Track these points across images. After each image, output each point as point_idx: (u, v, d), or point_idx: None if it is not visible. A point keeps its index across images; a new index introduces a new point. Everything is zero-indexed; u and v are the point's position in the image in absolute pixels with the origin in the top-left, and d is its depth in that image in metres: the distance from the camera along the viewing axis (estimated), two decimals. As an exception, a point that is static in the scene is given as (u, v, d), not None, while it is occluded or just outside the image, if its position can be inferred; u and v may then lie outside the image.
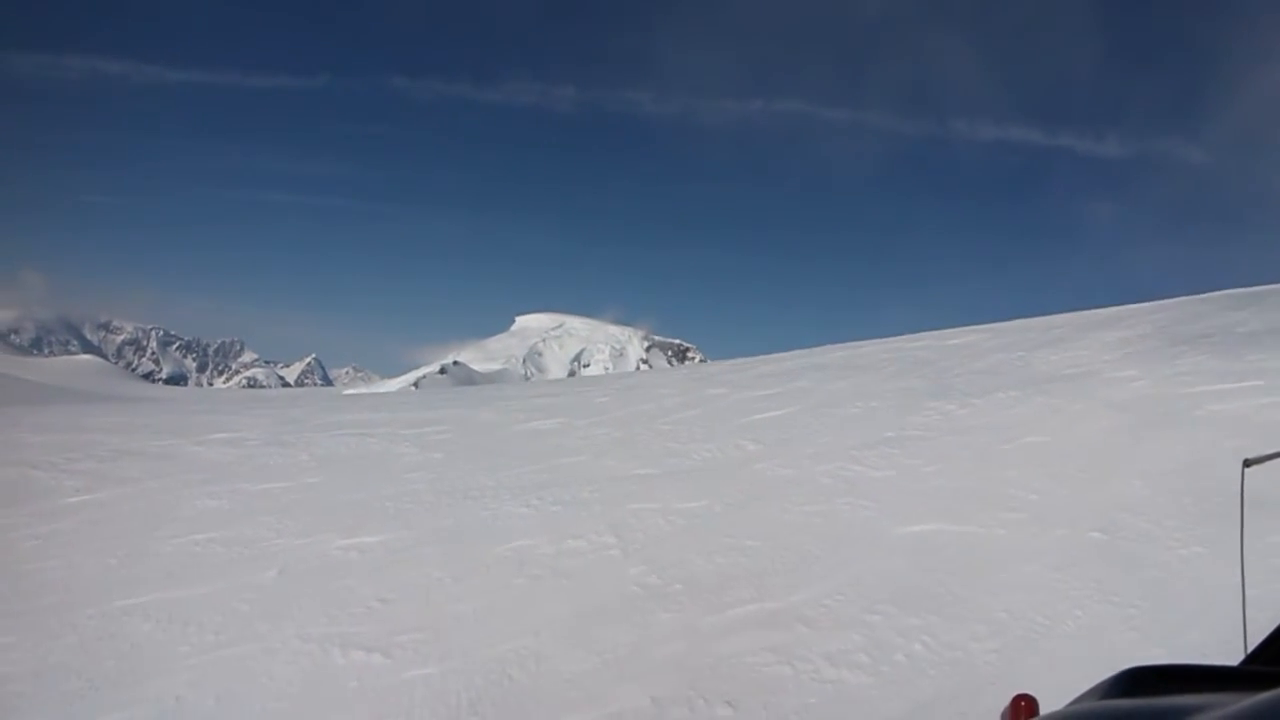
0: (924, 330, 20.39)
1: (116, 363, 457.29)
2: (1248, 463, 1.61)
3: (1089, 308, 19.91)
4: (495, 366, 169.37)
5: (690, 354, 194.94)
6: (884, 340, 18.75)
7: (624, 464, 9.70)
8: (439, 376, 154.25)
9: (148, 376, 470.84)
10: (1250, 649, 1.10)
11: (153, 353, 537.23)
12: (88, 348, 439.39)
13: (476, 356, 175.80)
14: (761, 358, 19.83)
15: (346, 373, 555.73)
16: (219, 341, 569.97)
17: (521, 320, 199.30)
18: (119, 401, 25.60)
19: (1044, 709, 1.11)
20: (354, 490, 9.58)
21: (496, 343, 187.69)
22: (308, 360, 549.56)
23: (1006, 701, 1.22)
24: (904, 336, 19.68)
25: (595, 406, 13.35)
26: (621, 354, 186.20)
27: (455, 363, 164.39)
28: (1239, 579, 1.62)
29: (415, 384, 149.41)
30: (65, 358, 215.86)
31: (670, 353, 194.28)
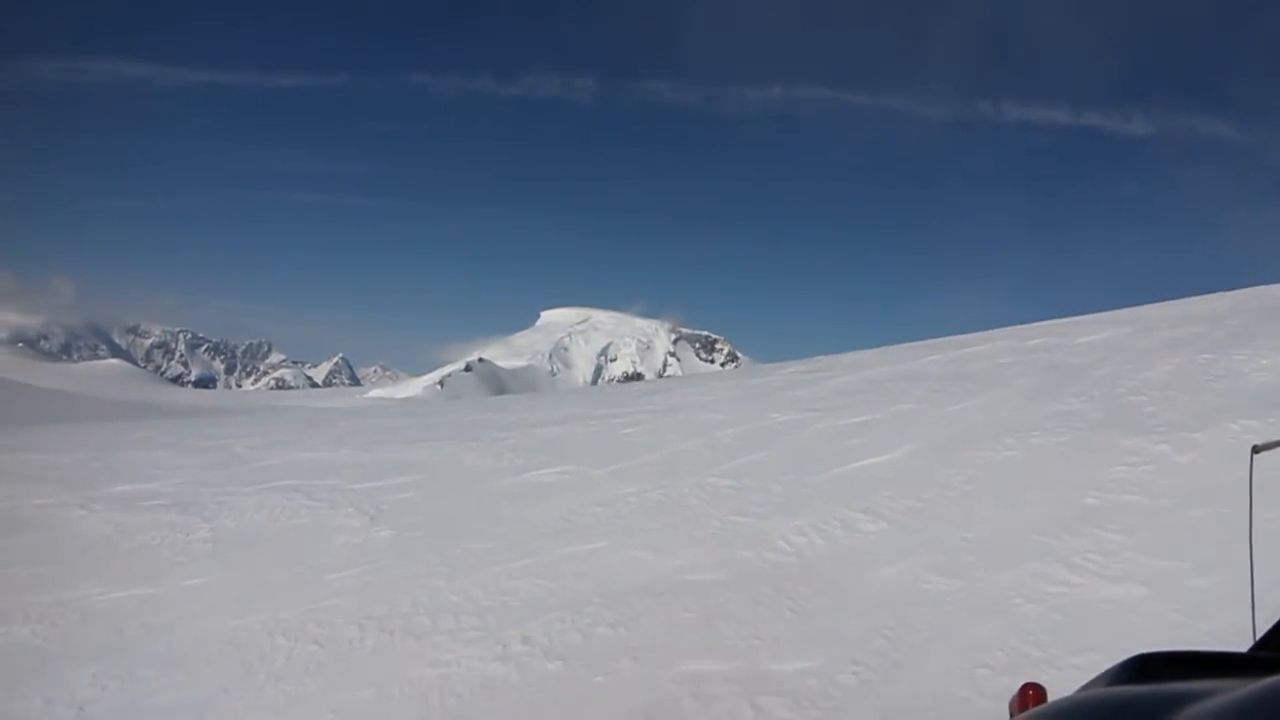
0: (992, 326, 16.74)
1: (145, 366, 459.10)
2: (1256, 449, 1.61)
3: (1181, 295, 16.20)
4: (521, 363, 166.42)
5: (719, 345, 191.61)
6: (983, 336, 15.05)
7: (666, 559, 6.10)
8: (464, 374, 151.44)
9: (176, 379, 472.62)
10: (1259, 634, 1.11)
11: (181, 355, 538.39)
12: (116, 352, 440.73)
13: (502, 353, 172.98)
14: (825, 359, 16.17)
15: (374, 371, 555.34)
16: (246, 343, 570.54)
17: (547, 315, 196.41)
18: (52, 426, 22.12)
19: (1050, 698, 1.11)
20: (237, 612, 6.04)
21: (522, 338, 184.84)
22: (335, 360, 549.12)
23: (1014, 690, 1.22)
24: (1004, 330, 16.05)
25: (620, 442, 9.76)
26: (649, 347, 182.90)
27: (480, 360, 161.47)
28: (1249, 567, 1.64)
29: (440, 382, 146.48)
30: (93, 363, 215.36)
31: (698, 345, 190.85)
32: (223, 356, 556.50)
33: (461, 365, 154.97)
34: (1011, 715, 1.20)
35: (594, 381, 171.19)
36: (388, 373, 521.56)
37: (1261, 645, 1.10)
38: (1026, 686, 1.19)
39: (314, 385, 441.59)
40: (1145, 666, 0.96)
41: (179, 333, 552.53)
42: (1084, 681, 1.02)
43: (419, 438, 12.19)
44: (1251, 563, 1.63)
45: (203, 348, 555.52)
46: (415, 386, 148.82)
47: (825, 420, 9.43)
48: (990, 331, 16.71)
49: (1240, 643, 1.16)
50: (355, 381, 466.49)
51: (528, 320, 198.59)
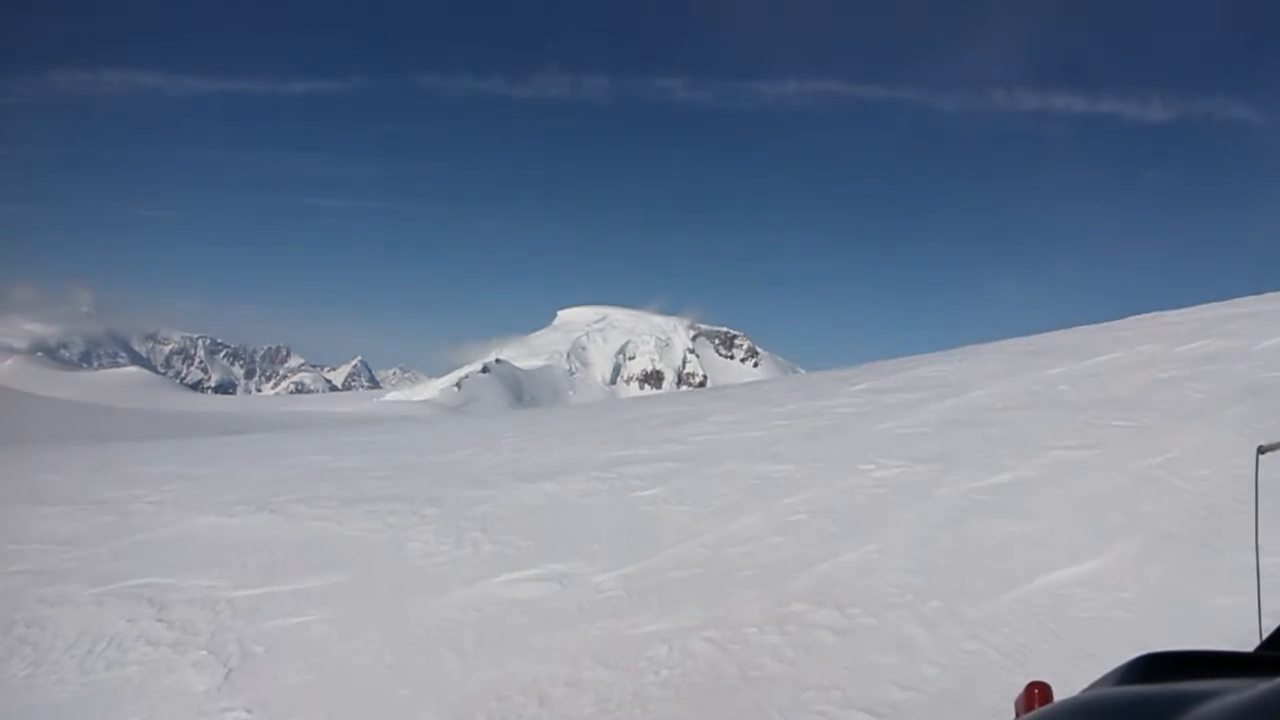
0: (1051, 323, 13.59)
1: (165, 373, 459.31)
2: (1262, 450, 1.63)
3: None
4: (539, 363, 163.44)
5: (738, 341, 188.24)
6: (1099, 335, 11.79)
7: None
8: (482, 376, 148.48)
9: (196, 385, 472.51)
10: (1266, 635, 1.10)
11: (200, 361, 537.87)
12: (136, 359, 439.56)
13: (520, 353, 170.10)
14: (891, 365, 12.91)
15: (394, 373, 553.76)
16: (265, 347, 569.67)
17: (564, 314, 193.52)
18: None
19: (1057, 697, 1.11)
20: None
21: (539, 338, 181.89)
22: (354, 362, 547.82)
23: (1020, 689, 1.22)
24: (1112, 325, 12.87)
25: (638, 517, 6.57)
26: (667, 344, 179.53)
27: (498, 360, 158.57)
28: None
29: (458, 384, 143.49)
30: (112, 370, 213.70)
31: (717, 341, 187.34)
32: (242, 361, 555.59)
33: (479, 366, 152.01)
34: (1017, 714, 1.19)
35: (612, 380, 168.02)
36: (407, 374, 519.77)
37: (1268, 645, 1.11)
38: (1032, 685, 1.17)
39: (333, 388, 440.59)
40: (1153, 666, 0.96)
41: (198, 339, 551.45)
42: (1090, 680, 1.02)
43: (369, 492, 9.04)
44: (1258, 563, 1.61)
45: (222, 353, 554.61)
46: (433, 389, 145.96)
47: (949, 479, 6.22)
48: (1097, 327, 13.58)
49: (1247, 643, 1.16)
50: (374, 384, 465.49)
51: (545, 320, 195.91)
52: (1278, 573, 3.56)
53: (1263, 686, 0.72)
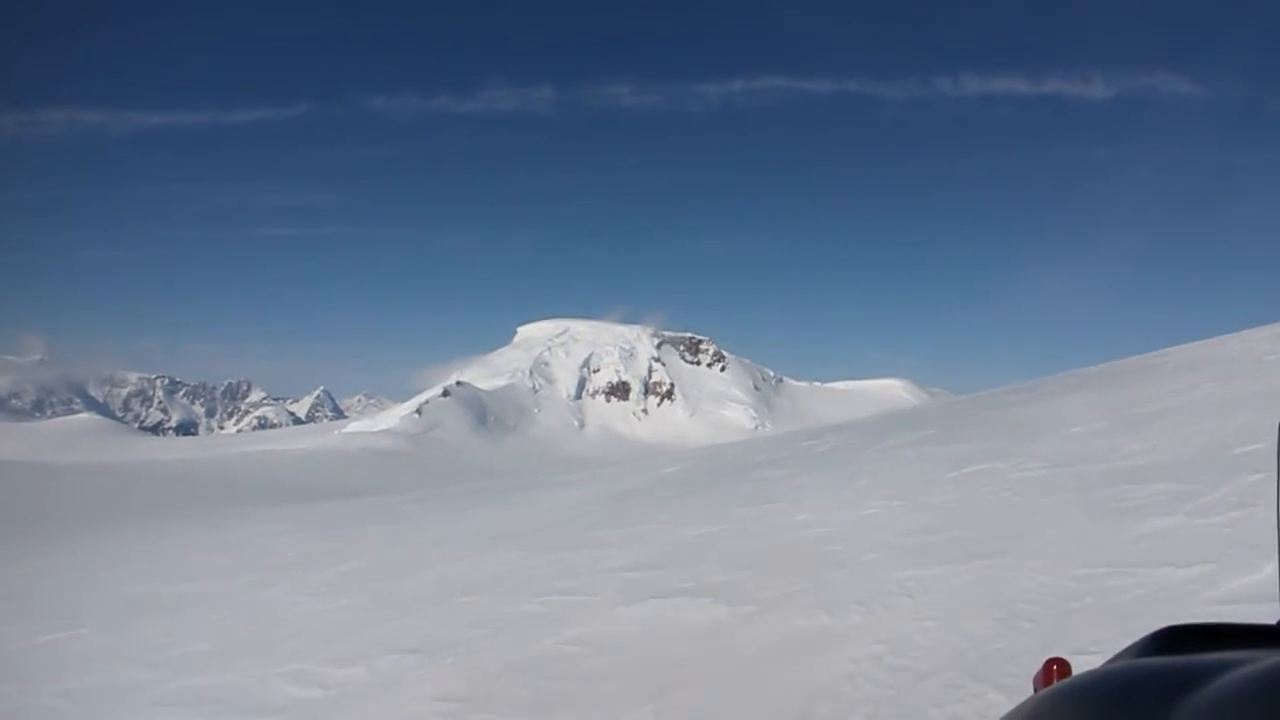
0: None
1: (123, 416, 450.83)
2: None
3: None
4: (501, 382, 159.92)
5: (703, 345, 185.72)
6: None
7: None
8: (443, 400, 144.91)
9: (156, 427, 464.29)
10: None
11: (160, 402, 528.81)
12: (92, 405, 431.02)
13: (482, 373, 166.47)
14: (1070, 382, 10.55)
15: (358, 400, 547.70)
16: (226, 384, 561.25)
17: (524, 330, 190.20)
18: None
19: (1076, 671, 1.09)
20: None
21: (500, 356, 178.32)
22: (316, 393, 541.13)
23: (1039, 666, 1.21)
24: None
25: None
26: (632, 354, 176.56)
27: (459, 383, 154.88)
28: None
29: (419, 410, 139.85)
30: (63, 419, 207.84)
31: (682, 346, 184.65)
32: (202, 400, 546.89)
33: (439, 390, 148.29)
34: (1036, 689, 1.19)
35: (578, 395, 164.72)
36: (371, 400, 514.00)
37: None
38: (1051, 661, 1.17)
39: (297, 421, 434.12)
40: (1173, 638, 0.98)
41: (156, 379, 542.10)
42: (1110, 655, 1.03)
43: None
44: (1279, 535, 1.53)
45: (181, 392, 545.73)
46: (394, 417, 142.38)
47: None
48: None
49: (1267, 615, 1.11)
50: (339, 413, 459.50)
51: (505, 337, 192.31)
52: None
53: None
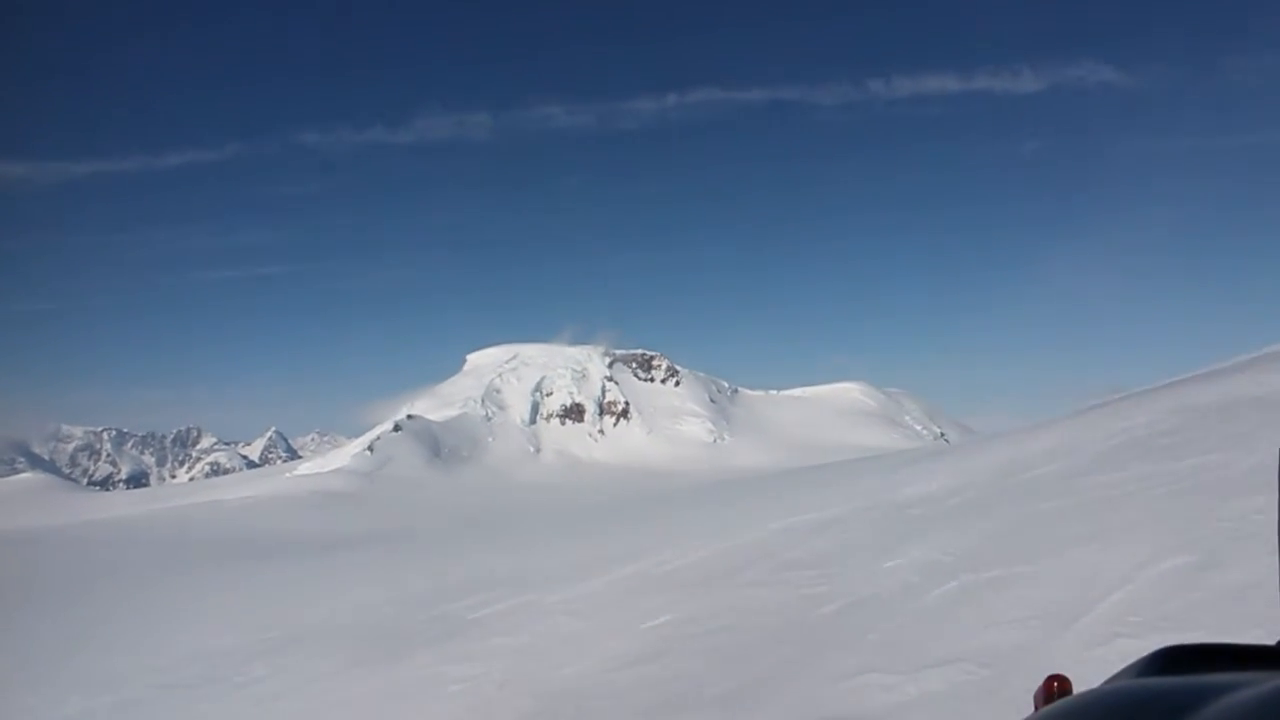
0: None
1: (71, 472, 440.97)
2: None
3: None
4: (453, 412, 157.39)
5: (655, 362, 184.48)
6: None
7: None
8: (394, 435, 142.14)
9: (106, 481, 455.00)
10: None
11: (108, 455, 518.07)
12: (37, 463, 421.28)
13: (432, 405, 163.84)
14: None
15: (312, 439, 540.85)
16: (174, 431, 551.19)
17: (473, 358, 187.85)
18: None
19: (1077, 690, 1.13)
20: None
21: (451, 386, 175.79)
22: (268, 434, 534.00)
23: (1039, 683, 1.23)
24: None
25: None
26: (584, 375, 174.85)
27: (409, 416, 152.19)
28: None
29: (370, 447, 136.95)
30: (5, 480, 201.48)
31: (635, 364, 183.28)
32: (152, 449, 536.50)
33: (390, 425, 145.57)
34: (1037, 707, 1.19)
35: (532, 420, 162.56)
36: (325, 438, 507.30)
37: None
38: (1051, 678, 1.18)
39: (251, 464, 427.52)
40: (1173, 659, 0.95)
41: (102, 431, 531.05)
42: (1110, 674, 1.01)
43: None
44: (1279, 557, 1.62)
45: (129, 443, 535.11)
46: (346, 455, 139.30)
47: None
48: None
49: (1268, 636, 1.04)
50: (292, 453, 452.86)
51: (454, 367, 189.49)
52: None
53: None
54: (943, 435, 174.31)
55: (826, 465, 33.90)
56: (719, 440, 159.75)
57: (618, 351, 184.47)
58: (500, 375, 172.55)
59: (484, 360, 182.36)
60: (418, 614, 11.74)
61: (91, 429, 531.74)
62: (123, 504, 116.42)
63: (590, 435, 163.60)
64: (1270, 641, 1.05)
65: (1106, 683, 0.97)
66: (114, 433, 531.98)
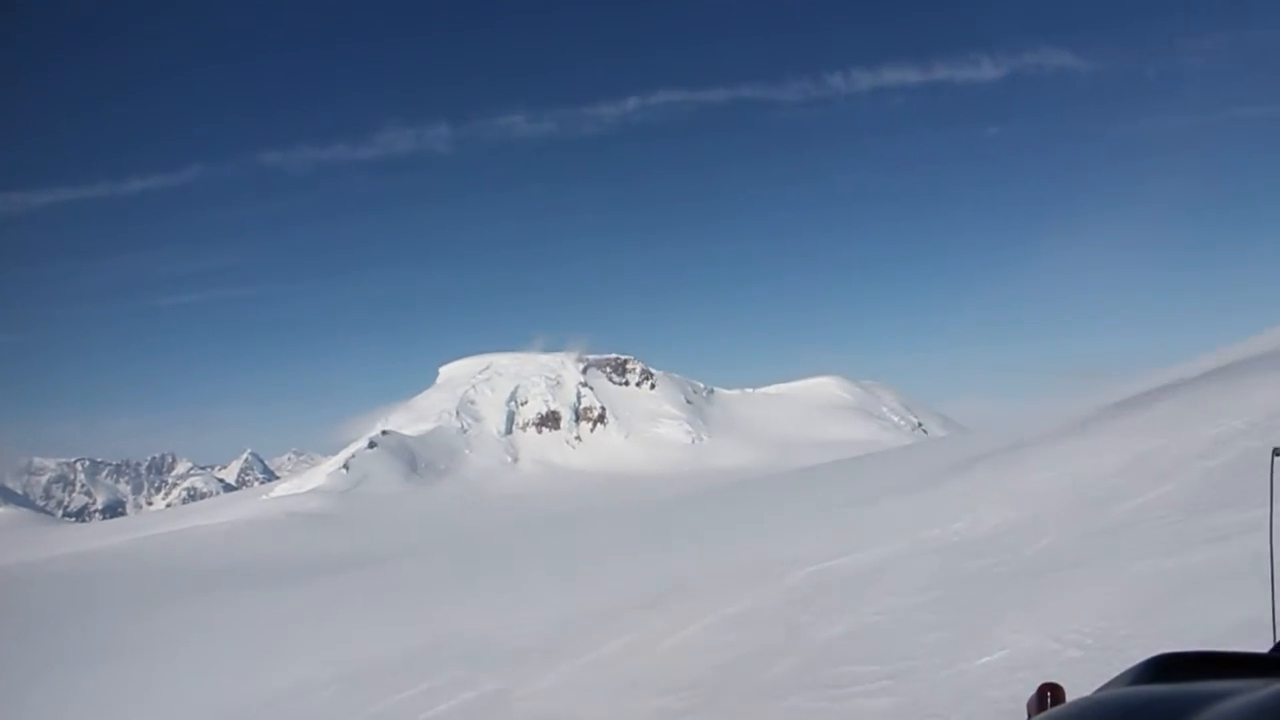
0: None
1: (45, 504, 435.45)
2: (1277, 451, 1.64)
3: None
4: (427, 426, 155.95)
5: (629, 365, 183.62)
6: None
7: None
8: (369, 452, 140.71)
9: (81, 512, 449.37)
10: None
11: (83, 485, 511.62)
12: (10, 498, 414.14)
13: (406, 419, 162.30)
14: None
15: (288, 458, 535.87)
16: (149, 458, 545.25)
17: (446, 370, 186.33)
18: None
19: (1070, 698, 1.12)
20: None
21: (424, 400, 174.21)
22: (244, 456, 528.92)
23: (1033, 690, 1.21)
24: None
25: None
26: (558, 382, 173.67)
27: (384, 432, 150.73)
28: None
29: (345, 466, 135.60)
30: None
31: (609, 369, 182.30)
32: (127, 477, 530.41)
33: (365, 442, 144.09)
34: (1030, 715, 1.19)
35: (508, 430, 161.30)
36: (301, 457, 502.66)
37: None
38: (1045, 687, 1.16)
39: (228, 487, 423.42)
40: (1166, 666, 0.95)
41: (75, 462, 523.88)
42: (1103, 681, 1.01)
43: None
44: (1272, 564, 1.65)
45: (104, 472, 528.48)
46: (321, 474, 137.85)
47: None
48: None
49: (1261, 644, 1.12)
50: (269, 474, 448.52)
51: (427, 380, 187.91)
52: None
53: (1277, 686, 0.72)
54: (921, 426, 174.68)
55: (826, 470, 32.84)
56: (697, 441, 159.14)
57: (591, 357, 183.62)
58: (474, 386, 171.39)
59: (457, 372, 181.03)
60: (355, 712, 10.49)
61: (64, 460, 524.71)
62: (99, 535, 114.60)
63: (567, 442, 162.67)
64: (1263, 649, 1.03)
65: (1100, 690, 0.97)
66: (87, 463, 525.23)
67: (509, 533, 58.19)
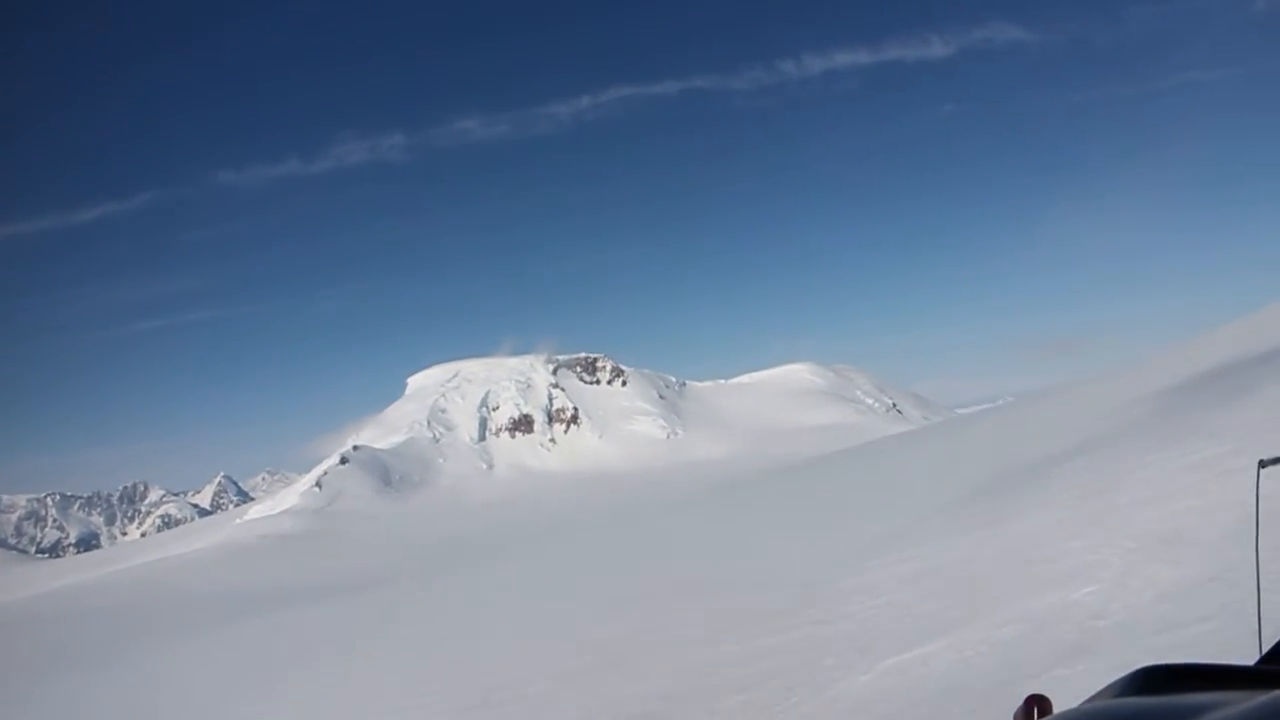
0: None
1: (18, 542, 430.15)
2: (1263, 464, 1.64)
3: None
4: (399, 439, 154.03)
5: (599, 363, 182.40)
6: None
7: None
8: (341, 468, 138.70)
9: (55, 547, 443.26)
10: (1265, 648, 1.12)
11: (55, 520, 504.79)
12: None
13: (377, 433, 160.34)
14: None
15: (262, 479, 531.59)
16: (121, 488, 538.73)
17: (414, 381, 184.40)
18: None
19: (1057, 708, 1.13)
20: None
21: (394, 412, 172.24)
22: (218, 479, 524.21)
23: (1019, 701, 1.21)
24: None
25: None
26: (529, 385, 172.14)
27: (355, 447, 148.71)
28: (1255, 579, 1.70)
29: (318, 484, 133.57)
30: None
31: (579, 368, 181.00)
32: (99, 509, 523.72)
33: (337, 459, 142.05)
34: None
35: (481, 437, 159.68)
36: (276, 476, 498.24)
37: (1268, 659, 1.11)
38: (1031, 698, 1.17)
39: (203, 512, 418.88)
40: (1151, 679, 0.96)
41: (46, 496, 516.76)
42: (1088, 693, 1.01)
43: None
44: (1258, 576, 1.60)
45: (76, 505, 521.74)
46: (294, 494, 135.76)
47: None
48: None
49: (1246, 656, 1.15)
50: (244, 495, 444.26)
51: (396, 391, 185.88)
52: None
53: (1262, 699, 0.73)
54: (895, 407, 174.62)
55: (823, 470, 31.92)
56: (673, 436, 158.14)
57: (560, 357, 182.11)
58: (444, 395, 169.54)
59: (426, 381, 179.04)
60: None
61: (34, 496, 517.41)
62: (74, 570, 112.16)
63: (542, 445, 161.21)
64: (1249, 662, 1.04)
65: (1086, 703, 0.97)
66: (58, 497, 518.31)
67: (483, 546, 56.76)
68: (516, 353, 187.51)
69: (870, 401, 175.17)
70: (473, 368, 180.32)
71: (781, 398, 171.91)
